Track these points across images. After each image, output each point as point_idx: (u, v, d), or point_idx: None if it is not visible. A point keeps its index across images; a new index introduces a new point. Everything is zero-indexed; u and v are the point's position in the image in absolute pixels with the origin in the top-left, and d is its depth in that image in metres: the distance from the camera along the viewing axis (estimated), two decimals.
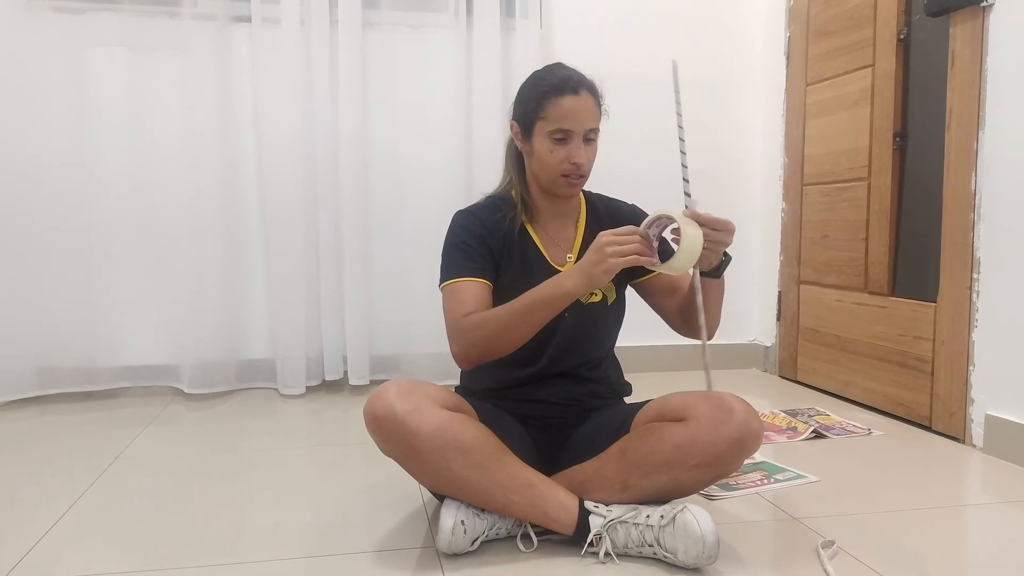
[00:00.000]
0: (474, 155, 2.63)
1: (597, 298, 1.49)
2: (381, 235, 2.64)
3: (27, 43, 2.35)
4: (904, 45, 2.24)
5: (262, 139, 2.52)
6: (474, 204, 1.52)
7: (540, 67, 1.48)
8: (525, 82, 1.46)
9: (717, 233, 1.27)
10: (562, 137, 1.38)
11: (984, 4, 1.89)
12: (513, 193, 1.50)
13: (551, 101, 1.37)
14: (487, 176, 2.58)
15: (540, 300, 1.30)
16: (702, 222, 1.25)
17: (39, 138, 2.37)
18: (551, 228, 1.50)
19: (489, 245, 1.43)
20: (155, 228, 2.49)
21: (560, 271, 1.43)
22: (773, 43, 2.86)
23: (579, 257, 1.45)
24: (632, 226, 1.28)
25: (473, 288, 1.39)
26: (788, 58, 2.79)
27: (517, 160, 1.52)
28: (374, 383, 2.60)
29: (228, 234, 2.53)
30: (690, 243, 1.23)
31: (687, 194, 1.29)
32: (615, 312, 1.53)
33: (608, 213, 1.55)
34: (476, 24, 2.59)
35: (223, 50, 2.49)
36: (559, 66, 1.44)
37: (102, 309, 2.49)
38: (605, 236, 1.26)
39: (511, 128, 1.48)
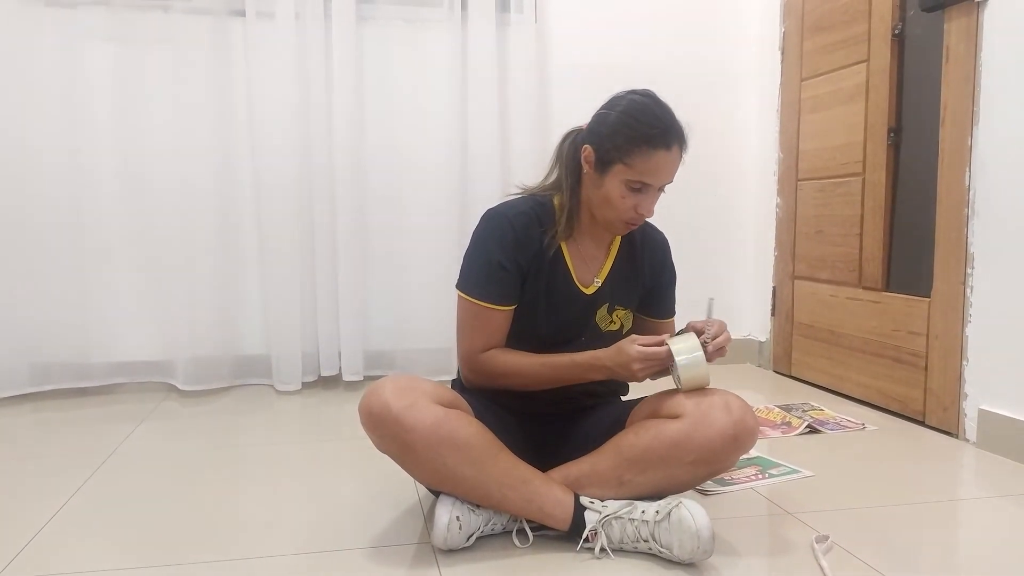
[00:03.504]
0: (469, 149, 2.62)
1: (615, 326, 1.49)
2: (376, 230, 2.63)
3: (19, 37, 2.33)
4: (899, 40, 2.24)
5: (256, 134, 2.50)
6: (508, 204, 1.42)
7: (628, 89, 1.37)
8: (616, 110, 1.34)
9: (719, 340, 1.30)
10: (639, 188, 1.32)
11: None
12: (555, 202, 1.44)
13: (642, 151, 1.29)
14: (481, 171, 2.59)
15: (564, 376, 1.39)
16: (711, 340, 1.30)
17: (32, 133, 2.36)
18: (585, 247, 1.45)
19: (519, 262, 1.39)
20: (149, 223, 2.48)
21: (584, 292, 1.44)
22: (768, 38, 2.85)
23: (605, 281, 1.46)
24: (660, 350, 1.29)
25: (496, 318, 1.39)
26: (783, 53, 2.79)
27: (575, 171, 1.42)
28: (368, 379, 2.60)
29: (222, 229, 2.52)
30: (689, 370, 1.28)
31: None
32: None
33: (643, 240, 1.51)
34: (471, 18, 2.58)
35: (217, 44, 2.47)
36: (658, 106, 1.33)
37: (96, 305, 2.48)
38: (636, 353, 1.29)
39: (583, 150, 1.38)
